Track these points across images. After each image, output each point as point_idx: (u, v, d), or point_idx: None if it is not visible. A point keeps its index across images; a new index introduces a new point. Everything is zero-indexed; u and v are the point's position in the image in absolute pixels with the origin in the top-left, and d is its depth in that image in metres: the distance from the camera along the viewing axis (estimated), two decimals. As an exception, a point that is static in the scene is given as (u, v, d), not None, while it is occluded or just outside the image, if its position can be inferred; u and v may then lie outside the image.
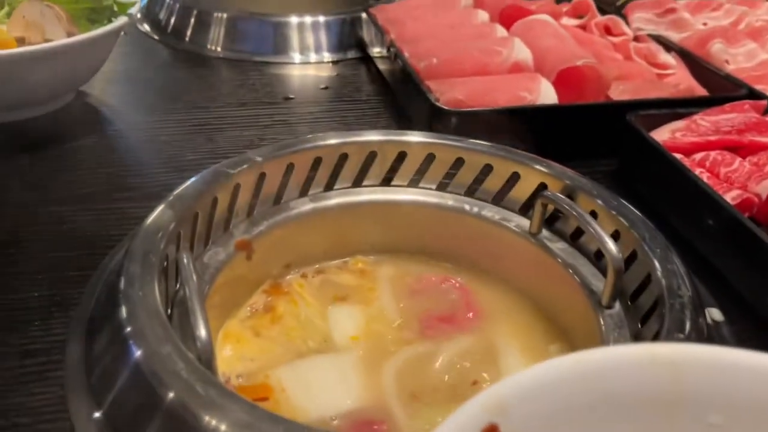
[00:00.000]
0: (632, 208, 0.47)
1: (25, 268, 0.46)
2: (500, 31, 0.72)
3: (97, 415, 0.35)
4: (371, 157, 0.53)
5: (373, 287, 0.51)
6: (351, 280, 0.52)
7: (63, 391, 0.36)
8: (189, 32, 0.93)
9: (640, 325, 0.42)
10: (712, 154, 0.56)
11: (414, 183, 0.54)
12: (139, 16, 0.96)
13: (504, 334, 0.47)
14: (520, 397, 0.23)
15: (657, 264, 0.42)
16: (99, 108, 0.71)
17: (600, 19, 0.78)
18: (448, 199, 0.53)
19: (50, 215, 0.52)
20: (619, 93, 0.61)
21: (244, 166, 0.49)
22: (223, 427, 0.30)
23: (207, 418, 0.31)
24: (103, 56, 0.68)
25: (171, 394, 0.32)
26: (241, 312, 0.48)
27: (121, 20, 0.66)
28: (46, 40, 0.63)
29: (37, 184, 0.56)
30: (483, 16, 0.78)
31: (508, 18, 0.74)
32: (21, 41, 0.65)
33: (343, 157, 0.53)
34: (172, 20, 0.95)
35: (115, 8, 0.67)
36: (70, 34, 0.62)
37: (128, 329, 0.35)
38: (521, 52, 0.65)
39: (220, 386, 0.32)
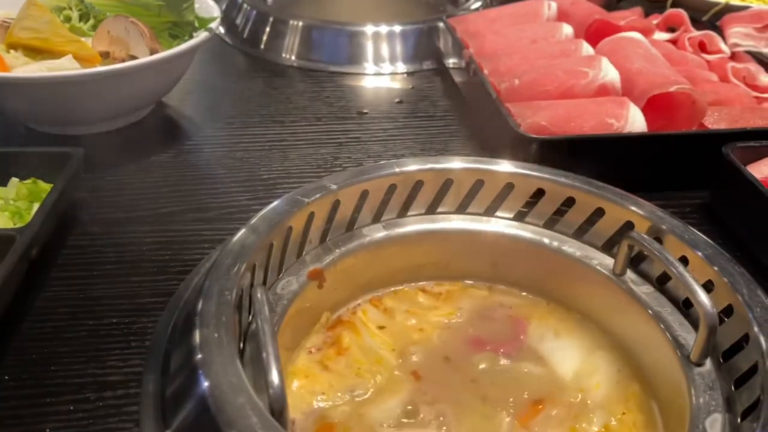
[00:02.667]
0: (728, 256, 0.44)
1: (105, 293, 0.47)
2: (586, 48, 0.69)
3: None
4: (447, 184, 0.52)
5: (445, 315, 0.50)
6: (421, 308, 0.51)
7: (138, 427, 0.36)
8: (264, 39, 0.93)
9: (733, 388, 0.39)
10: (818, 192, 0.51)
11: (490, 212, 0.53)
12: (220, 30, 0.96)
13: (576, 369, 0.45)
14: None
15: (755, 326, 0.39)
16: (177, 120, 0.72)
17: (694, 34, 0.73)
18: (526, 231, 0.52)
19: (131, 236, 0.53)
20: (714, 121, 0.57)
21: (319, 195, 0.49)
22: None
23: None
24: (183, 70, 0.69)
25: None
26: (308, 342, 0.47)
27: (203, 36, 0.66)
28: (130, 56, 0.64)
29: (120, 203, 0.57)
30: (567, 30, 0.74)
31: (594, 34, 0.71)
32: (105, 55, 0.66)
33: (419, 184, 0.52)
34: (248, 26, 0.96)
35: (196, 24, 0.68)
36: (152, 51, 0.63)
37: (204, 380, 0.34)
38: (609, 73, 0.62)
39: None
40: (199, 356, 0.36)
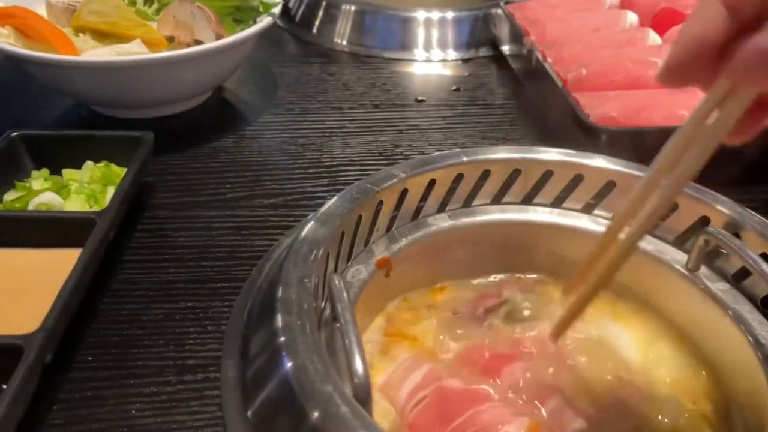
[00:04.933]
0: (813, 255, 0.42)
1: (178, 277, 0.47)
2: (653, 37, 0.67)
3: (249, 415, 0.36)
4: (514, 174, 0.51)
5: (515, 308, 0.49)
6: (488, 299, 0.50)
7: (221, 411, 0.37)
8: (317, 23, 0.93)
9: (820, 390, 0.38)
10: None
11: (558, 203, 0.52)
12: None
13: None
14: None
15: None
16: (237, 105, 0.73)
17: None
18: (595, 224, 0.51)
19: (199, 220, 0.53)
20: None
21: (389, 183, 0.48)
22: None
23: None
24: (246, 55, 0.69)
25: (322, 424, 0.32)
26: (371, 329, 0.47)
27: (266, 20, 0.66)
28: (196, 41, 0.65)
29: (187, 187, 0.58)
30: (632, 18, 0.73)
31: (661, 22, 0.69)
32: (170, 40, 0.67)
33: (486, 174, 0.51)
34: (301, 10, 0.96)
35: (260, 8, 0.68)
36: (218, 36, 0.64)
37: (288, 365, 0.35)
38: (679, 63, 0.60)
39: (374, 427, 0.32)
40: (282, 338, 0.36)
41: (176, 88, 0.64)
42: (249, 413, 0.36)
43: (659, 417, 0.41)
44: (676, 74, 0.28)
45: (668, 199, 0.32)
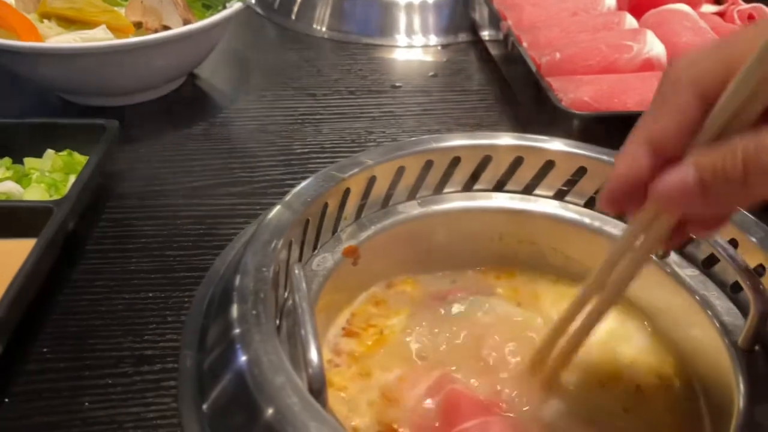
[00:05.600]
0: (783, 240, 0.42)
1: (140, 267, 0.47)
2: (629, 21, 0.66)
3: (204, 408, 0.35)
4: (485, 161, 0.51)
5: (486, 298, 0.49)
6: (459, 291, 0.50)
7: (176, 403, 0.36)
8: (296, 9, 0.92)
9: (786, 377, 0.38)
10: None
11: (529, 189, 0.51)
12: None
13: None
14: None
15: (812, 312, 0.37)
16: (209, 93, 0.72)
17: (743, 7, 0.70)
18: (566, 211, 0.50)
19: (165, 210, 0.52)
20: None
21: (356, 170, 0.48)
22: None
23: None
24: (217, 41, 0.68)
25: (275, 419, 0.31)
26: (340, 320, 0.47)
27: (236, 6, 0.65)
28: (164, 27, 0.63)
29: (153, 175, 0.57)
30: (609, 1, 0.72)
31: (638, 6, 0.68)
32: (138, 26, 0.66)
33: (456, 161, 0.51)
34: (280, -5, 0.94)
35: (230, -7, 0.67)
36: (186, 21, 0.62)
37: (242, 355, 0.34)
38: (654, 47, 0.59)
39: (331, 423, 0.31)
40: (237, 331, 0.35)
41: (145, 75, 0.63)
42: (204, 407, 0.36)
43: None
44: (614, 205, 0.31)
45: (603, 307, 0.37)
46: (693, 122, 0.28)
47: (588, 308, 0.38)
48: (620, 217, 0.48)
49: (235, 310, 0.37)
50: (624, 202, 0.31)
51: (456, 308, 0.47)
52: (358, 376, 0.42)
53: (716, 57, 0.28)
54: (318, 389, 0.33)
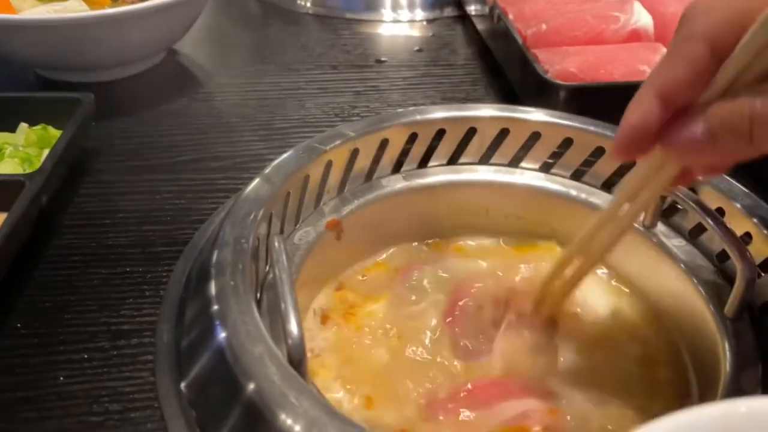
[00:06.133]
0: (768, 207, 0.41)
1: (118, 242, 0.46)
2: (617, -9, 0.66)
3: (182, 387, 0.35)
4: (470, 133, 0.50)
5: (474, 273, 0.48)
6: (447, 265, 0.49)
7: (153, 377, 0.36)
8: (281, -17, 0.90)
9: (772, 344, 0.37)
10: None
11: (515, 162, 0.50)
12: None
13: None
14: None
15: (798, 278, 0.37)
16: (190, 68, 0.70)
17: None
18: (552, 183, 0.49)
19: (143, 185, 0.51)
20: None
21: (338, 142, 0.47)
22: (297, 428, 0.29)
23: (282, 416, 0.29)
24: (196, 15, 0.66)
25: (255, 392, 0.31)
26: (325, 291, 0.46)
27: (215, -22, 0.64)
28: (140, -1, 0.62)
29: (132, 151, 0.56)
30: (597, -27, 0.71)
31: (626, -23, 0.67)
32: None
33: (440, 133, 0.50)
34: (264, -29, 0.92)
35: (209, -35, 0.65)
36: (163, -7, 0.61)
37: (219, 324, 0.33)
38: (641, 18, 0.58)
39: (310, 393, 0.30)
40: (216, 307, 0.35)
41: (122, 48, 0.62)
42: (183, 385, 0.35)
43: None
44: (624, 153, 0.32)
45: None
46: (704, 75, 0.29)
47: (569, 270, 0.39)
48: (607, 187, 0.48)
49: (213, 284, 0.36)
50: (634, 150, 0.32)
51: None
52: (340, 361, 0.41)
53: (732, 7, 0.29)
54: (298, 360, 0.33)
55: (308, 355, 0.40)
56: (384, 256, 0.49)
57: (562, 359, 0.40)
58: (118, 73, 0.66)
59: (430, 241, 0.50)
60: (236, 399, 0.32)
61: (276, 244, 0.39)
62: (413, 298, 0.44)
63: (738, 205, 0.42)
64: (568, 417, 0.37)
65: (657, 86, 0.30)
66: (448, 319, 0.42)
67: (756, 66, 0.28)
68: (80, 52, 0.60)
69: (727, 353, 0.37)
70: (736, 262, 0.37)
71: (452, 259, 0.48)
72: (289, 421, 0.29)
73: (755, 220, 0.41)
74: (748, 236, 0.41)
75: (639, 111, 0.31)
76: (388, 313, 0.43)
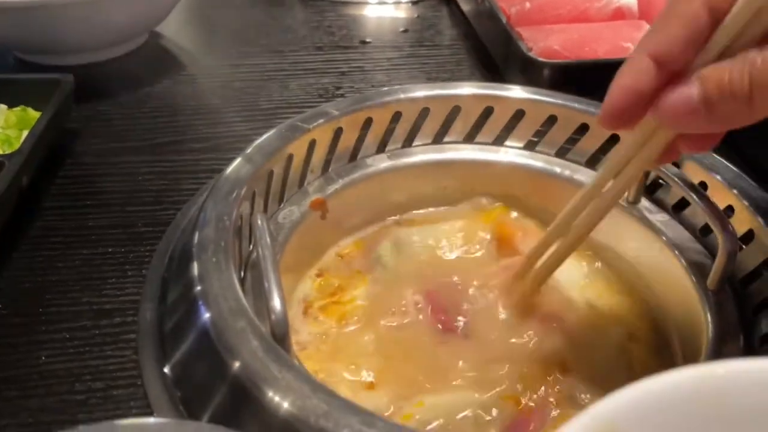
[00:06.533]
0: (750, 180, 0.42)
1: (99, 222, 0.45)
2: (600, -30, 0.65)
3: (166, 371, 0.34)
4: (455, 112, 0.50)
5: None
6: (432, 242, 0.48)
7: (136, 355, 0.35)
8: (263, -34, 0.89)
9: (752, 315, 0.38)
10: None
11: (500, 141, 0.50)
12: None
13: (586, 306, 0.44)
14: (635, 417, 0.20)
15: (778, 250, 0.37)
16: (173, 51, 0.69)
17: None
18: (537, 160, 0.49)
19: (126, 166, 0.51)
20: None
21: (321, 121, 0.47)
22: (286, 404, 0.29)
23: (270, 393, 0.29)
24: (176, -4, 0.66)
25: (240, 369, 0.30)
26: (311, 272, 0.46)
27: (196, -42, 0.63)
28: (121, -20, 0.61)
29: (114, 132, 0.55)
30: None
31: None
32: (95, -20, 0.63)
33: (425, 112, 0.50)
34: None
35: (190, -55, 0.64)
36: (144, -26, 0.60)
37: (200, 297, 0.33)
38: (625, -5, 0.58)
39: (292, 365, 0.30)
40: (198, 287, 0.34)
41: (103, 30, 0.61)
42: (167, 369, 0.35)
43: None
44: (613, 119, 0.30)
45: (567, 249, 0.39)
46: (700, 35, 0.28)
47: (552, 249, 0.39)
48: (592, 165, 0.48)
49: (195, 262, 0.35)
50: (624, 117, 0.30)
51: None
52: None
53: None
54: (281, 335, 0.33)
55: (294, 347, 0.40)
56: (363, 234, 0.48)
57: (544, 338, 0.40)
58: (99, 55, 0.65)
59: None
60: (222, 377, 0.31)
61: (259, 222, 0.39)
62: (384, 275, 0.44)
63: (720, 179, 0.42)
64: (552, 399, 0.37)
65: (651, 47, 0.28)
66: (425, 297, 0.42)
67: (755, 26, 0.27)
68: (60, 34, 0.59)
69: (710, 325, 0.37)
70: (717, 235, 0.38)
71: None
72: (276, 398, 0.29)
73: (736, 192, 0.41)
74: (730, 209, 0.41)
75: (631, 74, 0.29)
76: (368, 296, 0.43)
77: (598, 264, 0.46)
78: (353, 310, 0.42)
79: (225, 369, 0.31)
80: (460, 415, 0.35)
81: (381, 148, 0.50)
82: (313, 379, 0.30)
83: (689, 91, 0.27)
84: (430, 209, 0.50)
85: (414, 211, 0.50)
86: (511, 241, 0.45)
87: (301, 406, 0.28)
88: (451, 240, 0.46)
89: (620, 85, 0.29)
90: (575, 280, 0.45)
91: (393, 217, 0.49)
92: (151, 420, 0.26)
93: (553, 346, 0.39)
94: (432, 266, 0.44)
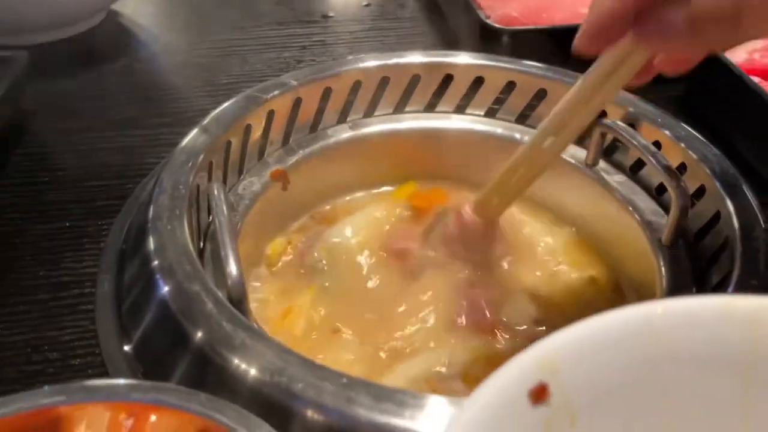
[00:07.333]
0: (702, 138, 0.42)
1: (57, 198, 0.45)
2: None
3: (126, 349, 0.34)
4: (414, 81, 0.50)
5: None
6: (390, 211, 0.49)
7: (94, 325, 0.35)
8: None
9: (705, 268, 0.38)
10: (795, 77, 0.50)
11: (460, 109, 0.51)
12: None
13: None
14: (576, 354, 0.21)
15: (728, 201, 0.38)
16: (132, 29, 0.69)
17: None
18: (497, 127, 0.50)
19: (85, 142, 0.50)
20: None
21: (278, 91, 0.46)
22: (253, 371, 0.29)
23: (236, 360, 0.29)
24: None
25: (199, 334, 0.30)
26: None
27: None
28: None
29: (71, 110, 0.54)
30: None
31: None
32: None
33: (385, 81, 0.50)
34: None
35: None
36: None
37: (156, 263, 0.33)
38: (582, -38, 0.59)
39: (250, 327, 0.30)
40: (155, 261, 0.34)
41: (56, 7, 0.60)
42: (127, 348, 0.34)
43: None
44: (593, 41, 0.30)
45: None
46: None
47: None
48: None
49: (151, 233, 0.35)
50: (604, 36, 0.29)
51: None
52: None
53: None
54: (238, 299, 0.33)
55: (255, 305, 0.41)
56: (328, 207, 0.49)
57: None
58: (56, 35, 0.64)
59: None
60: (184, 346, 0.31)
61: (215, 191, 0.39)
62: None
63: (673, 137, 0.43)
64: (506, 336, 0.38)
65: None
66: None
67: None
68: (13, 12, 0.58)
69: (663, 278, 0.38)
70: (670, 191, 0.38)
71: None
72: (243, 366, 0.29)
73: (690, 150, 0.42)
74: (683, 167, 0.42)
75: None
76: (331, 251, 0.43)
77: (560, 225, 0.47)
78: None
79: (187, 338, 0.31)
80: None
81: (342, 119, 0.50)
82: (284, 348, 0.30)
83: (674, 11, 0.26)
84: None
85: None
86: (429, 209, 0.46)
87: (262, 367, 0.28)
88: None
89: (602, 5, 0.28)
90: (538, 237, 0.46)
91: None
92: (121, 381, 0.26)
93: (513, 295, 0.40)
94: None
